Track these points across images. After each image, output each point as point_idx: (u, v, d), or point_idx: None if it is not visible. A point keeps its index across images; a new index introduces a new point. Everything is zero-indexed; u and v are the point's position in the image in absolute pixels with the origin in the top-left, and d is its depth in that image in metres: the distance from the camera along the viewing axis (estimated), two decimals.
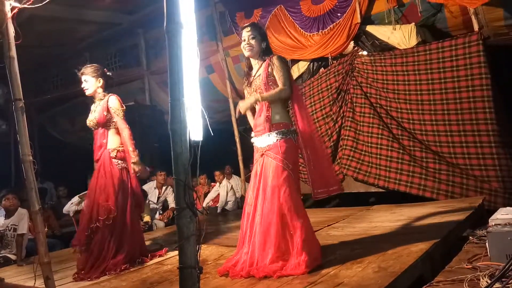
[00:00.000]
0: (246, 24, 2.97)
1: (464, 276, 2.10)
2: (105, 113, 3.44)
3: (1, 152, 8.36)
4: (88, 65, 3.51)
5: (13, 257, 4.26)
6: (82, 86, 3.49)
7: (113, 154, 3.43)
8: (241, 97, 7.13)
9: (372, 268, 2.45)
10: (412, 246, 2.75)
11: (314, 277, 2.43)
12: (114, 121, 3.47)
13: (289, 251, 2.63)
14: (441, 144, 4.77)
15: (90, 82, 3.47)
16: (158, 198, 6.18)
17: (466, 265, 2.31)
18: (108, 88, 3.58)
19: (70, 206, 5.18)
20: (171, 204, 6.05)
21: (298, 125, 2.87)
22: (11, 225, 4.34)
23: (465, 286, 2.01)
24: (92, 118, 3.50)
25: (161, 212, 6.08)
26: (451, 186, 4.64)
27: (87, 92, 3.50)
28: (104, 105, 3.45)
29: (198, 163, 1.83)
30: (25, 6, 2.95)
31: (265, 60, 2.89)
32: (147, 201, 5.83)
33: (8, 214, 4.38)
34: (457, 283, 2.07)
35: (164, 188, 6.21)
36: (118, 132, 3.49)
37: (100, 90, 3.52)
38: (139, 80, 7.89)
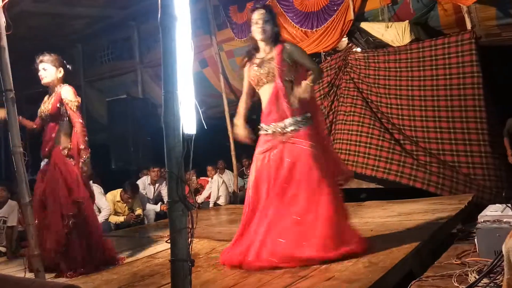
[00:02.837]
0: (259, 6, 2.85)
1: (452, 272, 2.14)
2: (58, 104, 3.20)
3: None
4: (48, 53, 3.25)
5: (2, 249, 4.23)
6: (39, 73, 3.22)
7: (64, 152, 3.20)
8: (235, 92, 7.14)
9: (363, 263, 2.47)
10: (402, 241, 2.78)
11: (305, 271, 2.44)
12: (67, 115, 3.23)
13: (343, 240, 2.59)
14: (430, 140, 4.81)
15: (49, 70, 3.23)
16: (153, 194, 6.19)
17: (455, 261, 2.34)
18: (65, 81, 3.33)
19: None
20: (166, 196, 6.05)
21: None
22: (0, 217, 4.30)
23: (454, 281, 2.04)
24: (44, 109, 3.27)
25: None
26: (441, 179, 4.67)
27: (44, 81, 3.24)
28: (57, 96, 3.22)
29: (191, 156, 1.82)
30: None
31: (275, 46, 2.79)
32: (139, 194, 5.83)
33: None
34: (446, 278, 2.10)
35: (157, 184, 6.21)
36: (69, 130, 3.27)
37: (58, 82, 3.28)
38: (132, 73, 7.82)
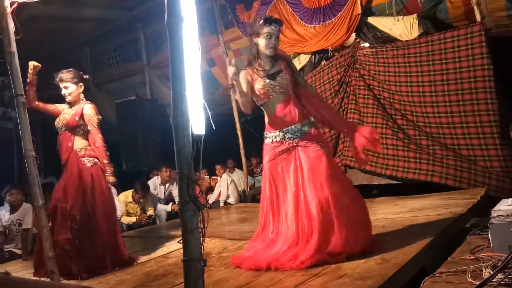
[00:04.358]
0: (272, 18, 2.79)
1: (466, 267, 2.11)
2: (77, 118, 3.31)
3: (4, 147, 8.39)
4: (66, 70, 3.35)
5: (18, 251, 4.29)
6: (63, 93, 3.33)
7: (81, 153, 3.30)
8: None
9: (375, 260, 2.46)
10: (414, 237, 2.76)
11: (317, 269, 2.44)
12: (83, 129, 3.35)
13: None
14: (444, 136, 4.76)
15: (71, 88, 3.33)
16: (164, 194, 6.24)
17: (469, 256, 2.31)
18: (85, 91, 3.46)
19: None
20: (176, 197, 6.10)
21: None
22: (16, 220, 4.37)
23: (468, 277, 2.01)
24: (62, 118, 3.36)
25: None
26: (459, 171, 4.62)
27: (69, 99, 3.35)
28: (79, 110, 3.33)
29: (201, 156, 1.83)
30: (25, 0, 2.94)
31: (279, 57, 2.83)
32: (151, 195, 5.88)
33: (13, 209, 4.41)
34: (459, 274, 2.07)
35: (168, 184, 6.25)
36: (84, 138, 3.37)
37: (81, 96, 3.40)
38: (140, 74, 7.87)
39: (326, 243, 2.55)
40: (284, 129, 2.77)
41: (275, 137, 2.80)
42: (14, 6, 2.83)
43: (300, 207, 2.66)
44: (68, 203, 3.17)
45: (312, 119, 2.83)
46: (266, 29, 2.73)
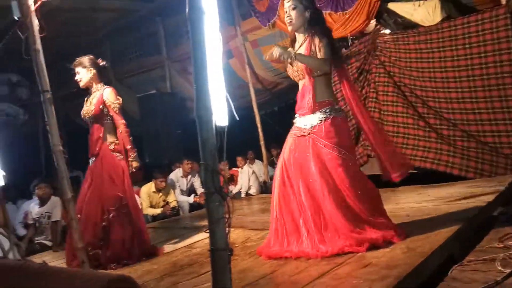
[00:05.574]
0: None
1: (495, 255, 2.08)
2: (100, 106, 3.33)
3: (30, 143, 8.64)
4: (81, 57, 3.42)
5: (48, 243, 4.44)
6: (75, 78, 3.39)
7: (112, 147, 3.34)
8: (261, 81, 7.13)
9: (401, 248, 2.44)
10: (440, 226, 2.72)
11: (341, 258, 2.44)
12: (110, 115, 3.37)
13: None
14: (469, 122, 4.64)
15: (81, 73, 3.37)
16: (186, 186, 6.33)
17: (498, 244, 2.28)
18: (103, 79, 3.47)
19: None
20: (198, 188, 6.18)
21: (353, 108, 2.80)
22: (45, 212, 4.52)
23: (497, 265, 1.98)
24: (87, 110, 3.40)
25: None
26: (480, 163, 4.53)
27: (81, 84, 3.40)
28: (100, 98, 3.34)
29: (225, 148, 1.85)
30: None
31: (310, 34, 2.68)
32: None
33: (42, 202, 4.56)
34: (488, 262, 2.04)
35: (189, 176, 6.32)
36: (113, 128, 3.40)
37: (94, 81, 3.41)
38: (159, 68, 7.93)
39: (345, 235, 2.53)
40: (301, 117, 2.77)
41: (295, 122, 2.83)
42: (38, 4, 2.89)
43: (312, 197, 2.61)
44: (101, 195, 3.23)
45: (330, 107, 2.68)
46: (285, 5, 2.71)
